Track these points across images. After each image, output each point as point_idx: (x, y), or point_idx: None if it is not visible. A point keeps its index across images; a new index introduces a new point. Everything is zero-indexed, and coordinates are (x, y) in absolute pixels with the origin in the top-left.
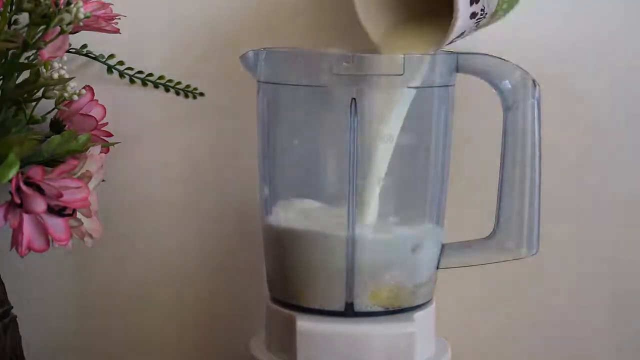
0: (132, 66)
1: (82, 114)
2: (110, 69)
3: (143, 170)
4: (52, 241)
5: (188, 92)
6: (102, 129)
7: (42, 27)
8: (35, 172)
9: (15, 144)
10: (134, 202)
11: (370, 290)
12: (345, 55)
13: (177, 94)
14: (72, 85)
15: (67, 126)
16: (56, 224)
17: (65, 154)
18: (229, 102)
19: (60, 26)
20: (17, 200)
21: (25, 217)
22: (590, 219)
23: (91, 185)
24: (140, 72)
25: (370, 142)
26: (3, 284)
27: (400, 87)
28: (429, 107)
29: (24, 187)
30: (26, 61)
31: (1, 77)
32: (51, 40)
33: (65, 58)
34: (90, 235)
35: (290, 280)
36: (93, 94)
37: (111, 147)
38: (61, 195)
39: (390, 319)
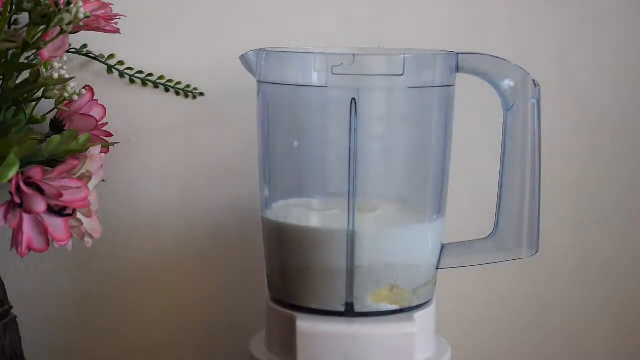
0: (132, 66)
1: (82, 114)
2: (110, 69)
3: (143, 170)
4: (52, 241)
5: (188, 92)
6: (102, 129)
7: (42, 27)
8: (35, 172)
9: (15, 144)
10: (134, 202)
11: (370, 290)
12: (345, 55)
13: (177, 94)
14: (72, 85)
15: (67, 126)
16: (56, 224)
17: (65, 154)
18: (229, 102)
19: (60, 26)
20: (17, 200)
21: (25, 217)
22: (590, 219)
23: (91, 185)
24: (140, 72)
25: (370, 142)
26: (3, 284)
27: (400, 87)
28: (429, 107)
29: (24, 187)
30: (26, 61)
31: (1, 77)
32: (51, 40)
33: (65, 58)
34: (90, 235)
35: (290, 280)
36: (93, 94)
37: (111, 147)
38: (61, 195)
39: (390, 319)
